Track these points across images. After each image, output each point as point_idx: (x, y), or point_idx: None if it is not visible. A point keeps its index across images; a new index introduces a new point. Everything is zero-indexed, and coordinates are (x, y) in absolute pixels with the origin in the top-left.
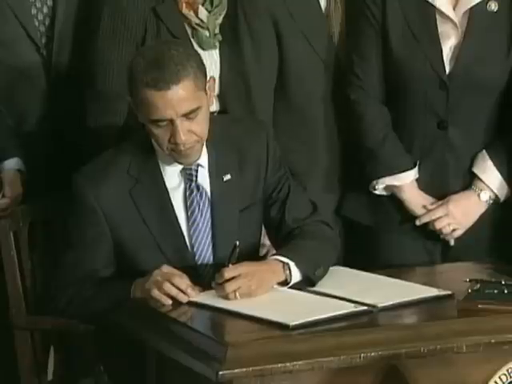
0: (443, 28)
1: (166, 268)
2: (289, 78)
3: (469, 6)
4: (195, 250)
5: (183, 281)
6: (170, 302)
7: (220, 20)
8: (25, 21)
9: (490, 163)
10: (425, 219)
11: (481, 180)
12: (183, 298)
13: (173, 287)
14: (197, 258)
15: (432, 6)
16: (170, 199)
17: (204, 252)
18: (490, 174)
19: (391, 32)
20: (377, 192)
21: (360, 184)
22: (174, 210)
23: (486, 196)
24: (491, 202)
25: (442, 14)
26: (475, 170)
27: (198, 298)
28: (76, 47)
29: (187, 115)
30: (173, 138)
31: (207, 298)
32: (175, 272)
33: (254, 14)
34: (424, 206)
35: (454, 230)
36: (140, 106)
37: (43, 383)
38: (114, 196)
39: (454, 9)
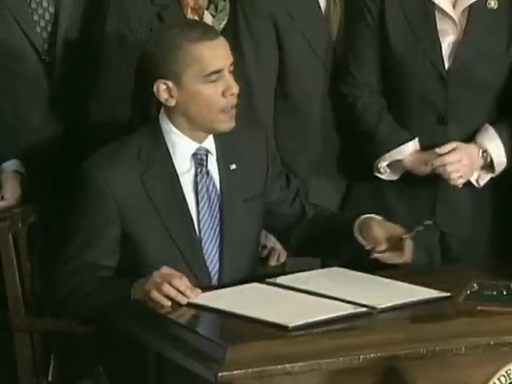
0: (442, 25)
1: (165, 269)
2: (289, 79)
3: (468, 4)
4: (202, 234)
5: (183, 282)
6: (169, 303)
7: (223, 25)
8: (26, 27)
9: (492, 130)
10: (437, 163)
11: (482, 143)
12: (183, 300)
13: (172, 289)
14: (203, 242)
15: (431, 3)
16: (180, 183)
17: (211, 237)
18: (490, 137)
19: (390, 29)
20: (383, 177)
21: (361, 186)
22: (183, 194)
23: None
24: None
25: (441, 11)
26: (478, 137)
27: (198, 300)
28: (79, 52)
29: (231, 66)
30: (228, 91)
31: (206, 299)
32: (175, 273)
33: (253, 15)
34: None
35: (459, 177)
36: (190, 67)
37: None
38: (123, 180)
39: (453, 6)
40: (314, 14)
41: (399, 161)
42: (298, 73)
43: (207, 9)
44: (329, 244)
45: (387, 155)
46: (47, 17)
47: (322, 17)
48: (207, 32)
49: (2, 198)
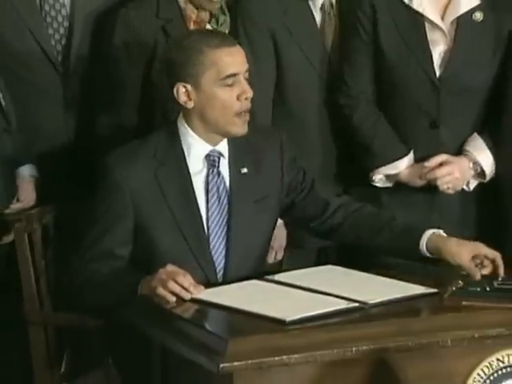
0: (432, 36)
1: (170, 267)
2: (286, 87)
3: (456, 16)
4: (210, 231)
5: (187, 279)
6: (174, 299)
7: None
8: (42, 40)
9: (480, 140)
10: (430, 176)
11: (472, 155)
12: (186, 296)
13: (177, 285)
14: (211, 239)
15: (421, 15)
16: (191, 182)
17: (218, 235)
18: (479, 149)
19: (383, 40)
20: (378, 185)
21: (358, 189)
22: (194, 193)
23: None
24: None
25: (431, 22)
26: (467, 147)
27: (201, 296)
28: (91, 63)
29: (246, 73)
30: (243, 94)
31: (209, 295)
32: (179, 271)
33: (253, 29)
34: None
35: (449, 189)
36: (208, 70)
37: (56, 375)
38: (140, 176)
39: (442, 18)
40: (310, 28)
41: (394, 174)
42: (296, 83)
43: (209, 22)
44: (381, 243)
45: (382, 169)
46: (62, 31)
47: (317, 30)
48: (226, 40)
49: (18, 200)
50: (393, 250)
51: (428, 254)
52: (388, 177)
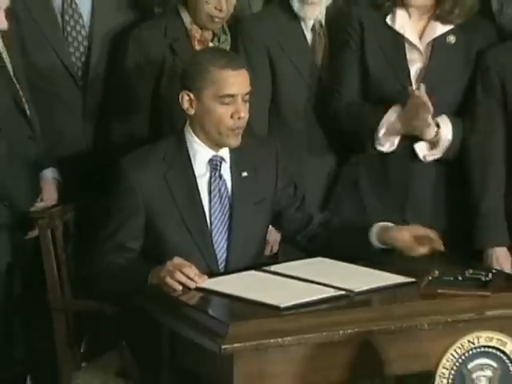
0: (411, 55)
1: (177, 259)
2: (281, 102)
3: (431, 38)
4: (213, 227)
5: (192, 270)
6: (180, 287)
7: None
8: (64, 57)
9: (445, 116)
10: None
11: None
12: (191, 285)
13: (183, 275)
14: (214, 234)
15: (402, 36)
16: (196, 184)
17: (220, 231)
18: (444, 122)
19: (368, 57)
20: (383, 149)
21: (342, 186)
22: (199, 195)
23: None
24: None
25: (410, 43)
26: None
27: (204, 285)
28: (107, 79)
29: (245, 95)
30: (236, 114)
31: (212, 284)
32: (185, 263)
33: (252, 46)
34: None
35: None
36: (211, 87)
37: (76, 356)
38: (151, 180)
39: (420, 39)
40: (301, 46)
41: (396, 122)
42: (289, 97)
43: (212, 41)
44: (344, 246)
45: (384, 118)
46: (81, 49)
47: (308, 48)
48: (232, 61)
49: (42, 199)
50: (354, 249)
51: (381, 246)
52: (389, 131)
